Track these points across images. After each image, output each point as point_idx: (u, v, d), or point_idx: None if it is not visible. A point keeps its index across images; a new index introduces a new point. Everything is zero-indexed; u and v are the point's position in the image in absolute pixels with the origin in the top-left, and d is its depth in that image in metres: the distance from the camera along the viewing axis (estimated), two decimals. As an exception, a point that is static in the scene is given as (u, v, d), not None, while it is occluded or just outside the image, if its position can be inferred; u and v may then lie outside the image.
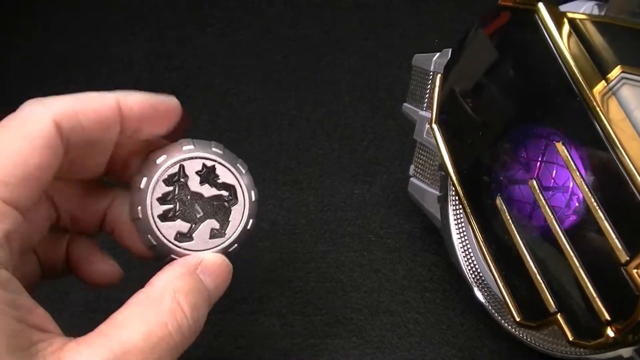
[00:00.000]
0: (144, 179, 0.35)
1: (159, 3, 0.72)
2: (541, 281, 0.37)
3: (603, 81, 0.36)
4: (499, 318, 0.43)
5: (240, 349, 0.46)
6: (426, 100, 0.50)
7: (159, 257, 0.36)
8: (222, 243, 0.36)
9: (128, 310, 0.31)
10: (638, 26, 0.36)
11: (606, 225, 0.34)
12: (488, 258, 0.40)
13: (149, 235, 0.35)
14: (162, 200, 0.35)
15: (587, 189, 0.35)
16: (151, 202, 0.35)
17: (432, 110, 0.45)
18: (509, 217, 0.39)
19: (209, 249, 0.35)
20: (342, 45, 0.67)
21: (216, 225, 0.36)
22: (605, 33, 0.37)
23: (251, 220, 0.36)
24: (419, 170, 0.51)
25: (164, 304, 0.32)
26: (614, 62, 0.36)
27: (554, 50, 0.37)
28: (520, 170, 0.39)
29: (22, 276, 0.31)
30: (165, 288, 0.32)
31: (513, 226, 0.39)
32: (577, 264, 0.35)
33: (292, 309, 0.49)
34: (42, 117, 0.31)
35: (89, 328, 0.31)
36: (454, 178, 0.43)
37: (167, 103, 0.35)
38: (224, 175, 0.36)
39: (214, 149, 0.36)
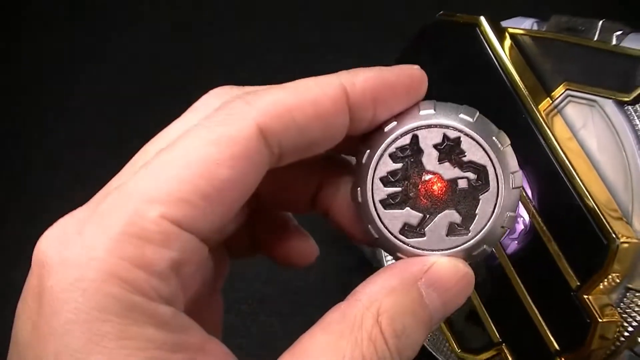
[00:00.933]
0: (367, 152, 0.26)
1: (159, 3, 0.72)
2: (484, 309, 0.35)
3: (548, 99, 0.34)
4: (436, 353, 0.40)
5: (240, 349, 0.44)
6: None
7: (386, 252, 0.28)
8: (464, 243, 0.26)
9: (317, 335, 0.24)
10: (582, 42, 0.34)
11: (555, 249, 0.32)
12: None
13: (369, 225, 0.26)
14: (387, 180, 0.26)
15: (533, 211, 0.33)
16: (372, 183, 0.26)
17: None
18: (448, 242, 0.37)
19: (446, 250, 0.26)
20: (342, 45, 0.66)
21: (457, 218, 0.26)
22: (548, 49, 0.35)
23: (507, 214, 0.26)
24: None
25: (363, 329, 0.24)
26: (558, 79, 0.35)
27: (497, 66, 0.35)
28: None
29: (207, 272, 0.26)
30: (368, 307, 0.24)
31: (453, 251, 0.36)
32: (524, 291, 0.33)
33: (292, 309, 0.48)
34: (242, 116, 0.23)
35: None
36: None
37: (407, 75, 0.26)
38: (473, 151, 0.26)
39: (461, 116, 0.26)
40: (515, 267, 0.33)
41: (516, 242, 0.34)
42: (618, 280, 0.31)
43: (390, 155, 0.26)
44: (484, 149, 0.26)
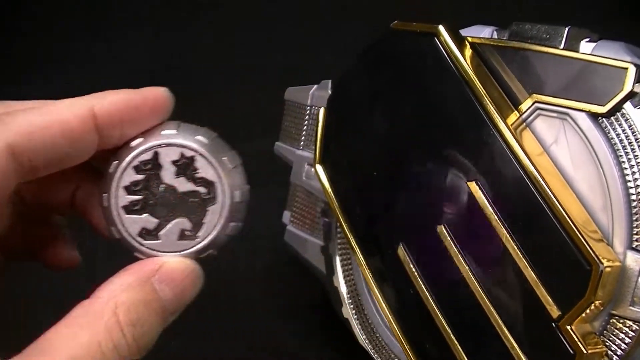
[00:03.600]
0: (114, 163, 0.30)
1: (159, 3, 0.71)
2: (456, 343, 0.32)
3: (515, 112, 0.32)
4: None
5: (240, 349, 0.46)
6: (303, 138, 0.45)
7: (127, 251, 0.31)
8: (192, 247, 0.31)
9: (61, 329, 0.27)
10: (549, 51, 0.32)
11: (532, 275, 0.30)
12: (389, 316, 0.35)
13: (112, 228, 0.31)
14: (130, 189, 0.30)
15: (506, 234, 0.30)
16: (117, 191, 0.30)
17: (315, 149, 0.39)
18: (414, 270, 0.34)
19: (177, 252, 0.30)
20: (342, 45, 0.64)
21: (188, 225, 0.31)
22: (513, 59, 0.33)
23: (231, 224, 0.31)
24: (296, 217, 0.45)
25: (101, 320, 0.27)
26: (525, 91, 0.32)
27: (460, 79, 0.32)
28: (425, 215, 0.34)
29: None
30: (107, 302, 0.28)
31: (420, 280, 0.34)
32: (500, 322, 0.30)
33: (292, 309, 0.49)
34: None
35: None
36: (344, 226, 0.37)
37: (151, 98, 0.31)
38: (205, 169, 0.30)
39: (198, 137, 0.30)
40: (490, 296, 0.31)
41: (489, 268, 0.32)
42: (601, 307, 0.29)
43: (134, 168, 0.30)
44: (214, 168, 0.30)
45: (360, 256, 0.36)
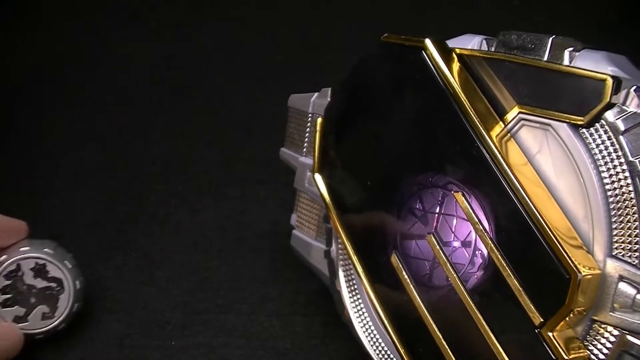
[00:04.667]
0: None
1: (159, 3, 0.72)
2: (447, 348, 0.33)
3: (501, 123, 0.33)
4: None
5: (240, 348, 0.46)
6: (306, 145, 0.46)
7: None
8: (51, 323, 0.45)
9: None
10: (532, 62, 0.33)
11: (515, 283, 0.31)
12: (386, 322, 0.36)
13: None
14: (3, 291, 0.44)
15: (491, 244, 0.31)
16: None
17: (313, 158, 0.41)
18: (406, 277, 0.35)
19: (41, 329, 0.45)
20: (342, 45, 0.66)
21: (47, 309, 0.45)
22: (498, 71, 0.34)
23: (77, 304, 0.45)
24: (301, 222, 0.46)
25: None
26: (510, 102, 0.33)
27: (446, 91, 0.33)
28: (416, 224, 0.35)
29: None
30: None
31: (412, 286, 0.35)
32: (486, 328, 0.32)
33: (292, 309, 0.49)
34: None
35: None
36: (341, 233, 0.38)
37: (17, 227, 0.45)
38: (53, 270, 0.45)
39: (45, 249, 0.45)
40: (477, 304, 0.32)
41: (475, 275, 0.33)
42: (583, 314, 0.30)
43: (4, 276, 0.44)
44: (59, 269, 0.45)
45: (357, 263, 0.38)
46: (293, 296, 0.50)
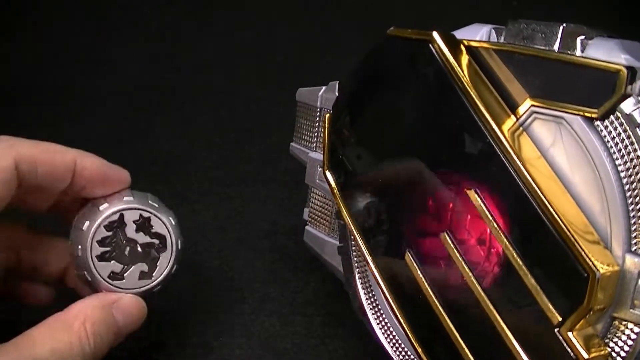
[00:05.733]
0: (87, 222, 0.39)
1: (159, 3, 0.73)
2: (464, 347, 0.33)
3: (512, 117, 0.32)
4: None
5: (240, 349, 0.46)
6: (315, 139, 0.45)
7: (94, 291, 0.40)
8: (148, 284, 0.40)
9: (42, 328, 0.36)
10: (543, 54, 0.32)
11: (532, 282, 0.30)
12: (401, 320, 0.36)
13: (85, 272, 0.40)
14: (102, 242, 0.40)
15: (506, 241, 0.31)
16: (91, 244, 0.39)
17: (323, 154, 0.40)
18: (421, 275, 0.34)
19: (137, 289, 0.40)
20: (342, 45, 0.66)
21: (145, 268, 0.40)
22: (509, 62, 0.33)
23: (175, 266, 0.41)
24: (314, 217, 0.46)
25: (73, 328, 0.36)
26: (522, 94, 0.32)
27: (455, 85, 0.33)
28: (429, 222, 0.34)
29: None
30: (77, 315, 0.37)
31: (427, 285, 0.34)
32: (504, 327, 0.31)
33: (292, 309, 0.49)
34: (4, 154, 0.36)
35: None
36: (354, 230, 0.38)
37: (118, 174, 0.40)
38: (158, 225, 0.40)
39: (150, 202, 0.41)
40: (494, 304, 0.31)
41: (491, 273, 0.32)
42: (602, 311, 0.29)
43: (105, 227, 0.39)
44: (165, 224, 0.40)
45: (371, 261, 0.37)
46: (293, 296, 0.50)
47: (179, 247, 0.41)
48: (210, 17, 0.70)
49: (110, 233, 0.40)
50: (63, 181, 0.38)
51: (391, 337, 0.39)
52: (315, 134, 0.45)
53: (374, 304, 0.40)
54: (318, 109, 0.44)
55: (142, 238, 0.40)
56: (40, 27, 0.71)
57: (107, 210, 0.39)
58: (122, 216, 0.40)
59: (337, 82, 0.43)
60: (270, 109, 0.61)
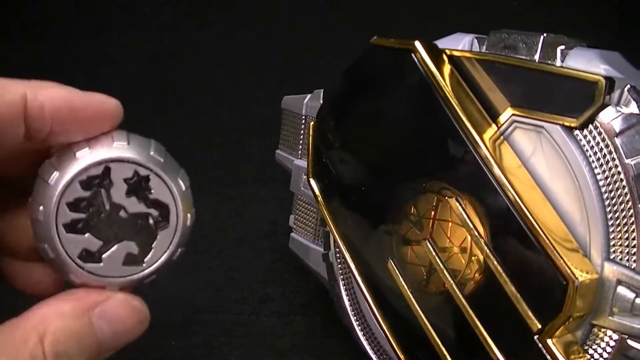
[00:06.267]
0: (55, 173, 0.26)
1: (159, 3, 0.72)
2: (446, 354, 0.33)
3: (494, 125, 0.32)
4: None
5: (241, 348, 0.46)
6: (300, 147, 0.45)
7: (59, 273, 0.28)
8: (136, 272, 0.27)
9: None
10: (523, 64, 0.32)
11: (512, 289, 0.30)
12: (384, 328, 0.36)
13: (46, 245, 0.27)
14: (74, 205, 0.26)
15: (487, 250, 0.31)
16: (58, 205, 0.26)
17: (307, 161, 0.40)
18: (403, 283, 0.35)
19: (119, 277, 0.27)
20: (342, 45, 0.65)
21: (134, 249, 0.27)
22: (490, 72, 0.33)
23: (179, 250, 0.28)
24: (299, 224, 0.46)
25: (26, 345, 0.24)
26: (503, 103, 0.32)
27: (437, 94, 0.33)
28: (411, 230, 0.35)
29: None
30: (36, 325, 0.25)
31: (409, 293, 0.34)
32: (484, 334, 0.31)
33: (292, 309, 0.49)
34: None
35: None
36: (337, 238, 0.38)
37: (98, 105, 0.27)
38: (159, 189, 0.27)
39: (152, 154, 0.27)
40: (475, 311, 0.32)
41: (472, 281, 0.32)
42: (581, 319, 0.29)
43: (80, 182, 0.26)
44: (169, 189, 0.27)
45: (354, 269, 0.37)
46: (293, 296, 0.50)
47: (188, 223, 0.28)
48: (210, 17, 0.70)
49: (87, 193, 0.27)
50: (10, 128, 0.26)
51: (375, 343, 0.40)
52: (300, 141, 0.45)
53: (358, 311, 0.41)
54: (303, 117, 0.44)
55: (134, 205, 0.27)
56: (40, 27, 0.70)
57: (86, 159, 0.26)
58: (107, 170, 0.27)
59: (322, 90, 0.43)
60: (270, 109, 0.61)
